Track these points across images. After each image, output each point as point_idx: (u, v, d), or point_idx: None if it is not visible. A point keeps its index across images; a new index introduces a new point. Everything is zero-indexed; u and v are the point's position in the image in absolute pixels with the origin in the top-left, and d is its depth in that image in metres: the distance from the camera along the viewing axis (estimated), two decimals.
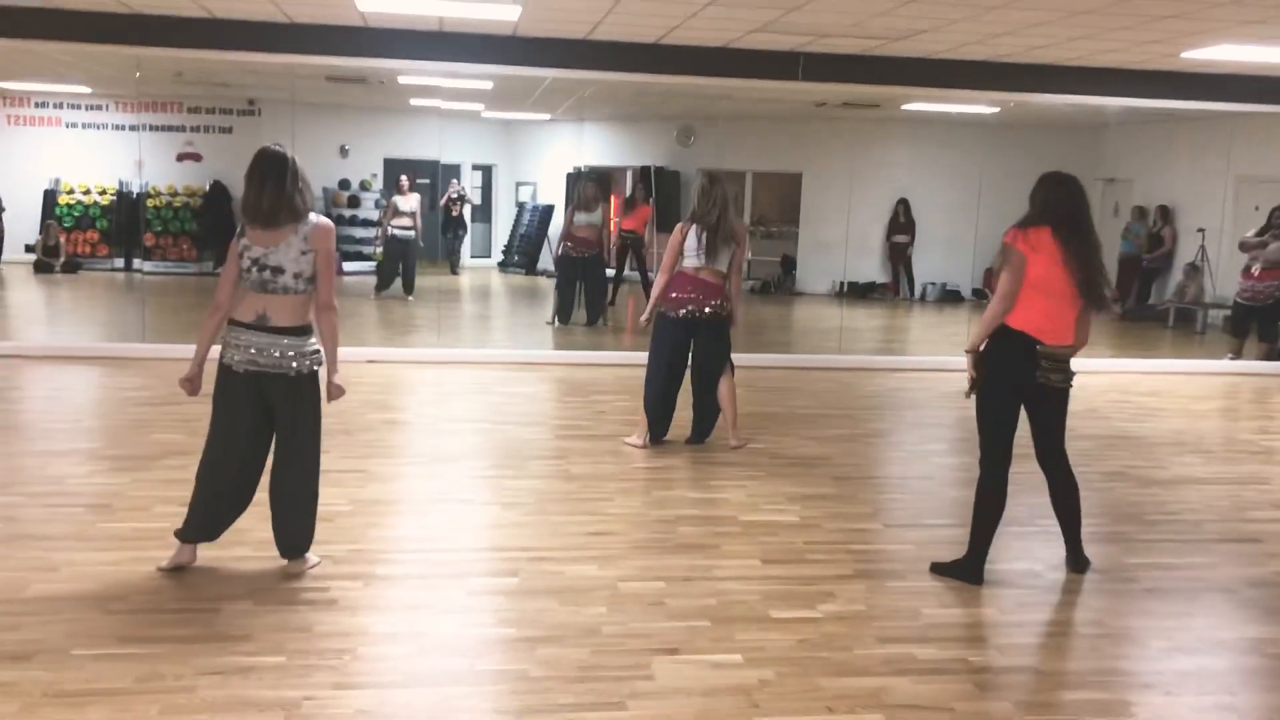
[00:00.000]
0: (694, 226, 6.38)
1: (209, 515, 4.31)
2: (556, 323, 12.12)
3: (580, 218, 11.95)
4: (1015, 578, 4.60)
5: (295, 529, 4.33)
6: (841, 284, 17.31)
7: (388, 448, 6.53)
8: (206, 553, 4.38)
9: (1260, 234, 10.70)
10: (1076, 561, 4.68)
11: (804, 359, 10.49)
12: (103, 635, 3.67)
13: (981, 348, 4.43)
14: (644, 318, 6.67)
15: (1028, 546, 5.03)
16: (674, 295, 6.43)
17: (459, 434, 6.94)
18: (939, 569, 4.58)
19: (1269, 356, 10.85)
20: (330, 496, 5.27)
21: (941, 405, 8.44)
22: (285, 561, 4.34)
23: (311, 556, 4.38)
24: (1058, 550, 4.80)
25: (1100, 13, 6.96)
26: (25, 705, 3.17)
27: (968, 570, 4.48)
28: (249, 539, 4.50)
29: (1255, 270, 10.66)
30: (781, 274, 17.87)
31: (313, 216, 4.17)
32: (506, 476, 5.92)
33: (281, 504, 4.30)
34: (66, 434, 6.66)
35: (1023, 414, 4.52)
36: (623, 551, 4.74)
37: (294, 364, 4.13)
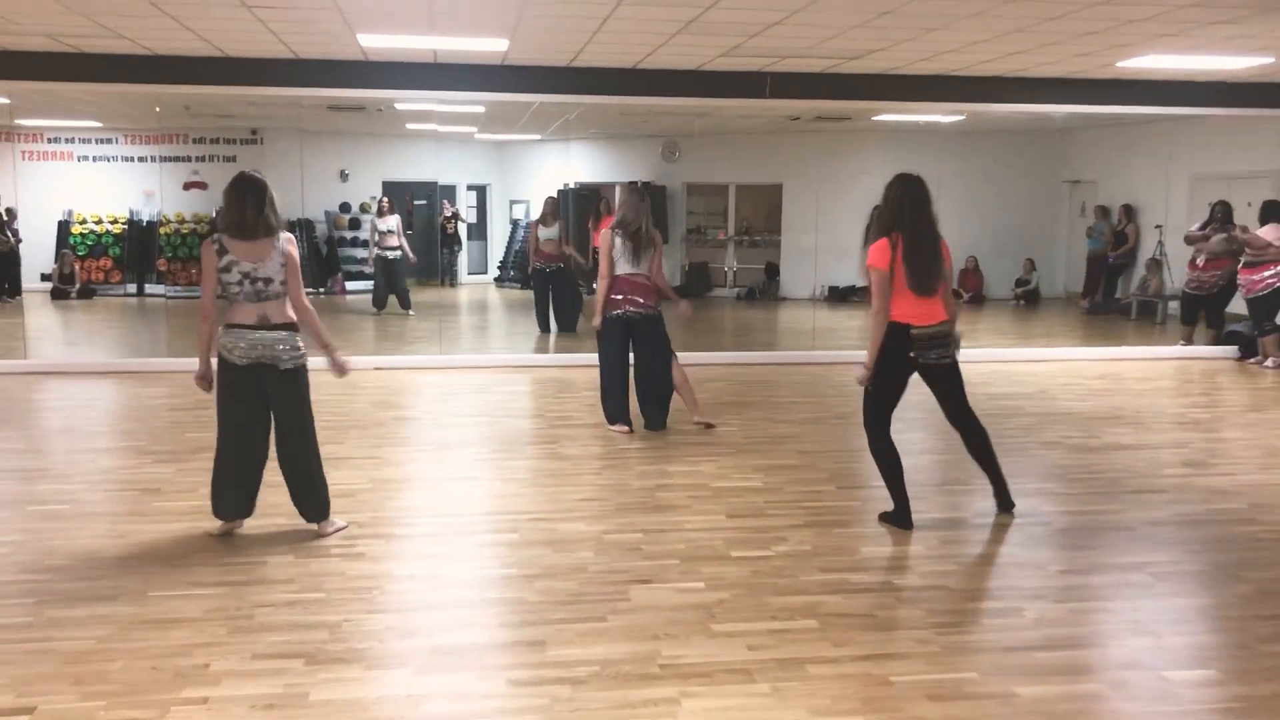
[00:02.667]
0: (619, 234, 7.20)
1: (237, 496, 5.02)
2: (540, 331, 12.94)
3: (542, 232, 12.82)
4: (946, 524, 5.35)
5: (316, 495, 5.06)
6: (822, 288, 18.09)
7: (398, 439, 7.28)
8: (250, 521, 5.13)
9: (1203, 228, 11.46)
10: (1003, 502, 5.41)
11: (783, 355, 11.24)
12: (172, 581, 4.41)
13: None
14: (595, 322, 7.46)
15: (961, 500, 5.78)
16: (615, 297, 7.24)
17: (462, 426, 7.69)
18: (883, 517, 5.32)
19: (1217, 342, 11.59)
20: (350, 478, 6.06)
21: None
22: (315, 526, 5.07)
23: (337, 520, 5.11)
24: (987, 503, 5.55)
25: (1027, 31, 7.74)
26: (120, 629, 3.92)
27: (899, 518, 5.22)
28: (285, 510, 5.23)
29: (1200, 262, 11.42)
30: (766, 280, 18.63)
31: (282, 234, 4.88)
32: (506, 459, 6.67)
33: (299, 479, 5.02)
34: (111, 435, 7.43)
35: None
36: (607, 512, 5.49)
37: (289, 355, 4.86)
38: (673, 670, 3.59)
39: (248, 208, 4.80)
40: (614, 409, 7.40)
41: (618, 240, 7.21)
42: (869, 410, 5.25)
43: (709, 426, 7.40)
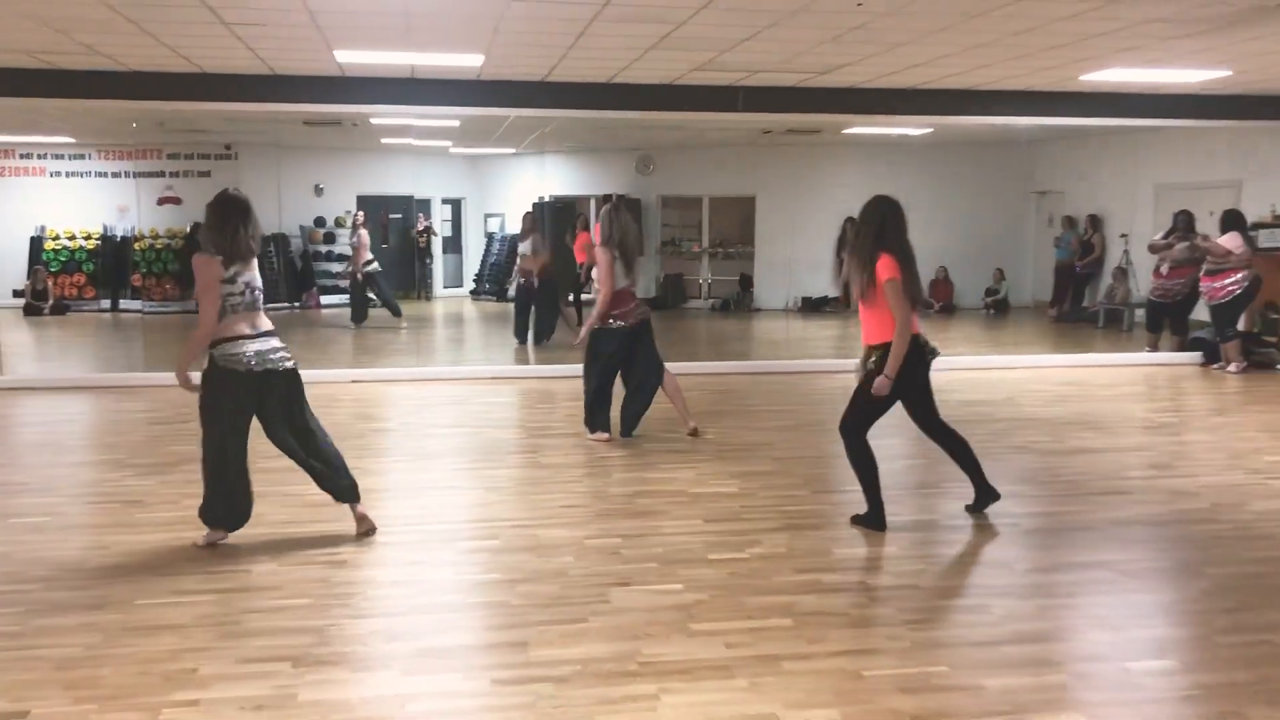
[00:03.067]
0: (616, 250, 7.30)
1: (233, 505, 5.09)
2: (518, 342, 13.07)
3: (521, 247, 13.01)
4: (918, 526, 5.48)
5: (347, 477, 5.19)
6: (796, 299, 18.28)
7: (379, 450, 7.36)
8: (234, 531, 5.19)
9: (1166, 236, 11.70)
10: (987, 496, 5.56)
11: (757, 365, 11.38)
12: (158, 590, 4.48)
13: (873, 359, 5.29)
14: (578, 340, 7.60)
15: (933, 503, 5.92)
16: (622, 309, 7.32)
17: (442, 437, 7.78)
18: (856, 520, 5.45)
19: (1181, 348, 11.82)
20: None
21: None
22: (352, 509, 5.22)
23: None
24: (958, 505, 5.69)
25: (993, 46, 7.93)
26: (108, 636, 3.98)
27: (873, 520, 5.35)
28: (266, 520, 5.30)
29: (1164, 270, 11.66)
30: (740, 292, 18.80)
31: None
32: (486, 468, 6.76)
33: (326, 466, 5.13)
34: (91, 449, 7.47)
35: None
36: (588, 518, 5.59)
37: (287, 355, 5.03)
38: (652, 668, 3.70)
39: (248, 231, 4.92)
40: (602, 418, 7.48)
41: (616, 257, 7.30)
42: (859, 418, 5.36)
43: (696, 433, 7.53)
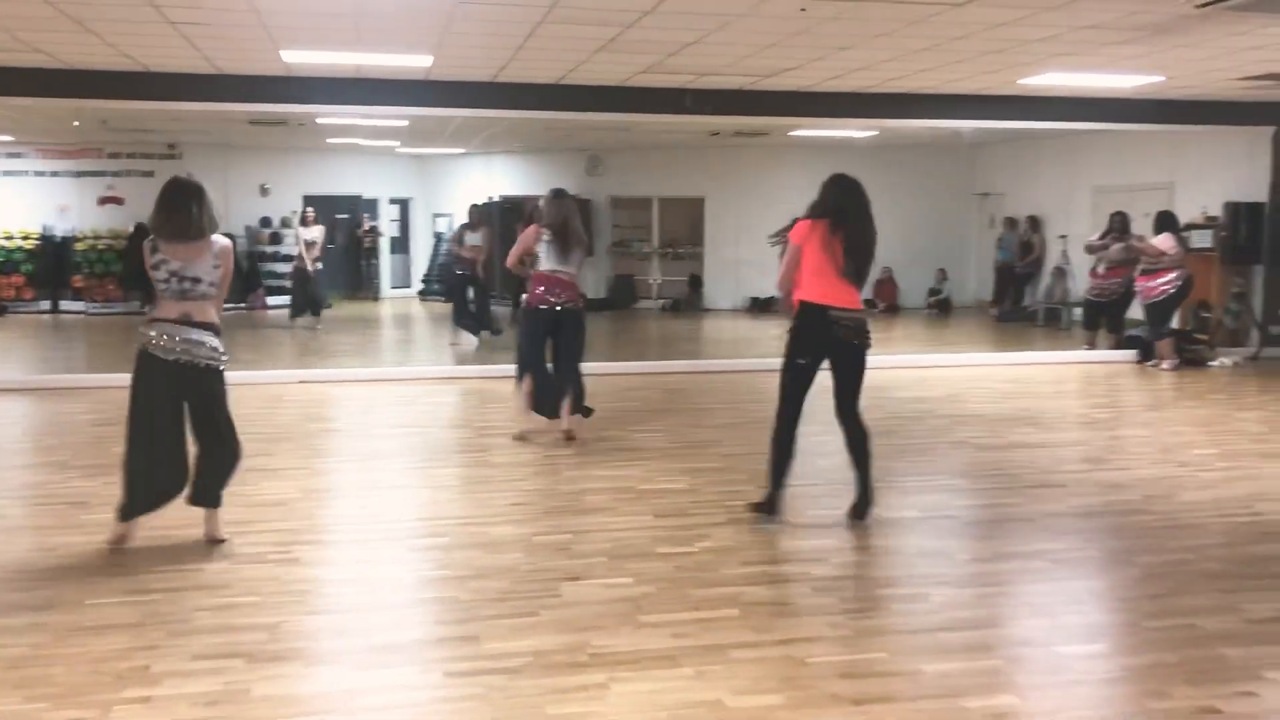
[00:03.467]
0: (546, 233, 7.34)
1: (147, 491, 5.00)
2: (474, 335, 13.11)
3: (468, 237, 13.17)
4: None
5: (218, 484, 5.09)
6: (744, 299, 18.45)
7: (327, 450, 7.37)
8: (188, 531, 5.15)
9: (1103, 237, 12.01)
10: (861, 506, 5.45)
11: (706, 364, 11.50)
12: (107, 590, 4.47)
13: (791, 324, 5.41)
14: None
15: (876, 497, 6.04)
16: (537, 291, 7.33)
17: (390, 437, 7.79)
18: (757, 507, 5.51)
19: (1118, 346, 12.13)
20: (281, 488, 6.15)
21: (819, 396, 9.47)
22: (204, 511, 5.07)
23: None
24: (898, 499, 5.84)
25: (933, 50, 8.12)
26: (56, 636, 3.98)
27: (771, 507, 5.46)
28: (220, 520, 5.30)
29: (1101, 270, 11.97)
30: (689, 292, 18.94)
31: (217, 236, 4.99)
32: (434, 467, 6.80)
33: (212, 472, 5.05)
34: (34, 450, 7.40)
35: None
36: (536, 515, 5.66)
37: (209, 355, 4.93)
38: (602, 659, 3.77)
39: (182, 213, 4.87)
40: (539, 401, 7.49)
41: (544, 238, 7.35)
42: (786, 396, 5.40)
43: (570, 438, 7.41)
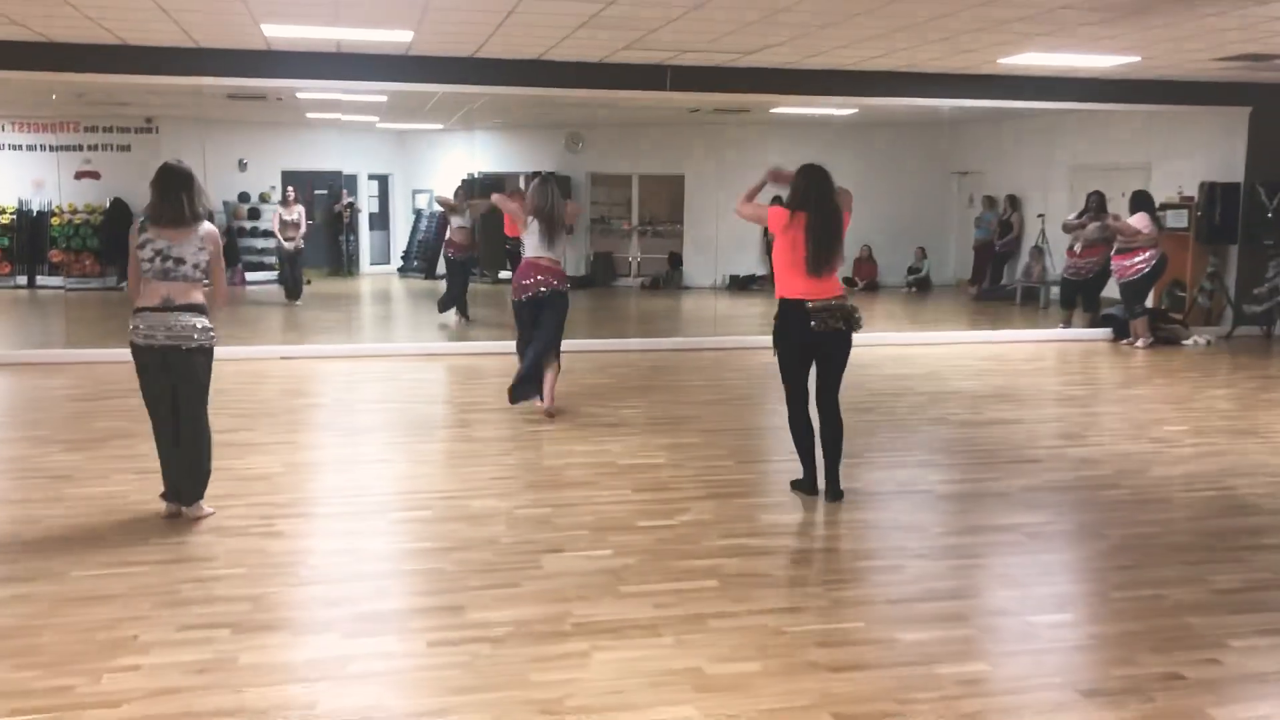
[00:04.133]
0: (536, 220, 7.37)
1: (169, 476, 5.12)
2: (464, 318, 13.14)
3: (454, 220, 13.14)
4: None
5: (193, 479, 5.10)
6: (724, 277, 18.52)
7: (311, 425, 7.40)
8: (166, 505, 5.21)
9: (1079, 216, 12.11)
10: (832, 489, 5.50)
11: (686, 341, 11.56)
12: (94, 562, 4.51)
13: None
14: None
15: (855, 472, 6.11)
16: (524, 282, 7.35)
17: (373, 412, 7.83)
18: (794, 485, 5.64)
19: (1094, 324, 12.27)
20: (264, 462, 6.19)
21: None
22: (184, 509, 5.10)
23: (205, 506, 5.16)
24: (878, 474, 5.93)
25: (912, 29, 8.15)
26: (45, 607, 4.02)
27: (803, 484, 5.57)
28: (208, 493, 5.34)
29: (1077, 249, 12.07)
30: (669, 270, 18.97)
31: (205, 222, 5.05)
32: (417, 442, 6.84)
33: (187, 472, 5.09)
34: (15, 425, 7.39)
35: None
36: (518, 489, 5.72)
37: (195, 335, 4.95)
38: (584, 628, 3.85)
39: (174, 200, 4.93)
40: (519, 390, 7.48)
41: (534, 226, 7.39)
42: (787, 380, 5.53)
43: (550, 416, 7.48)
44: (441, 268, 15.26)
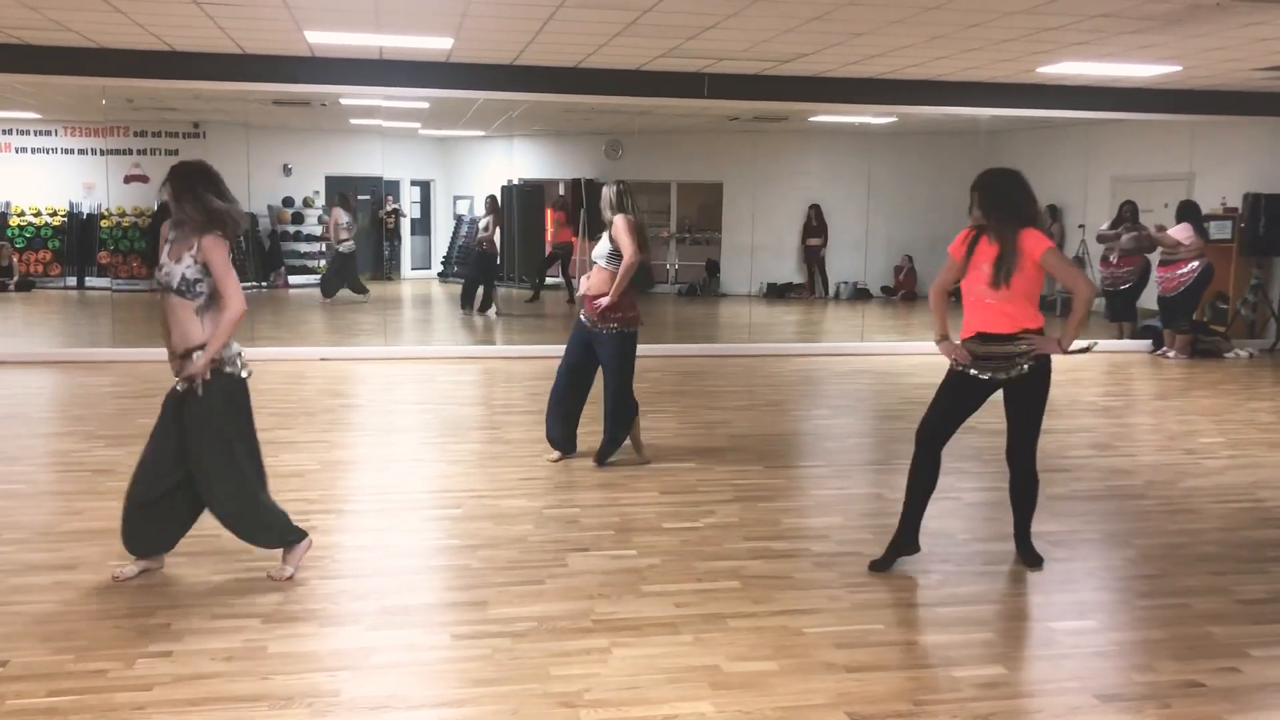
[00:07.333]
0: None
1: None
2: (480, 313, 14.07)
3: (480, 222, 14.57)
4: (866, 499, 5.71)
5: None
6: (760, 285, 18.52)
7: (346, 425, 7.51)
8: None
9: (1114, 227, 12.02)
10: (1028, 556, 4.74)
11: (720, 348, 11.60)
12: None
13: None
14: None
15: (882, 478, 6.16)
16: (633, 313, 6.24)
17: (408, 413, 7.94)
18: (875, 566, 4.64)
19: (1132, 335, 12.15)
20: (299, 459, 6.31)
21: (832, 381, 9.60)
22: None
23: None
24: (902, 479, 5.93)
25: (949, 37, 8.16)
26: (82, 594, 4.14)
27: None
28: None
29: (1113, 259, 11.98)
30: (706, 277, 19.01)
31: (210, 234, 4.14)
32: (450, 442, 6.94)
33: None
34: (60, 420, 7.58)
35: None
36: (547, 490, 5.79)
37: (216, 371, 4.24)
38: (605, 625, 3.90)
39: (180, 204, 4.26)
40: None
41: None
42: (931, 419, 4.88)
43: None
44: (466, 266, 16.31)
